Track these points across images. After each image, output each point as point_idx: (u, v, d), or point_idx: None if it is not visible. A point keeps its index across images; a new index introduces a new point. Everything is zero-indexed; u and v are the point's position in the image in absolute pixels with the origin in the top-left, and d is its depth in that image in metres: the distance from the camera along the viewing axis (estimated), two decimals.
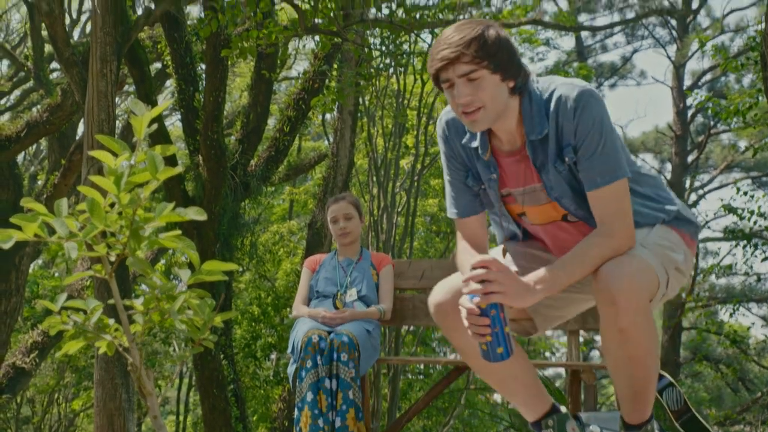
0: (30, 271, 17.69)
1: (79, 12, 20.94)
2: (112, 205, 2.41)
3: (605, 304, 2.90)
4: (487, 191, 3.21)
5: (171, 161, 10.96)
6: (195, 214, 2.44)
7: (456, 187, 3.28)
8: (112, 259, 2.45)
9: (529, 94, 2.98)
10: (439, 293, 3.25)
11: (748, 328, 18.16)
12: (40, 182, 18.49)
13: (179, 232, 2.48)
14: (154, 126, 2.45)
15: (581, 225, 3.14)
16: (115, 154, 2.40)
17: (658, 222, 3.14)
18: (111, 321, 2.61)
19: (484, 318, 2.85)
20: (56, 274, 21.56)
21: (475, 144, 3.12)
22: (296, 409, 5.21)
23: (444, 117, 3.21)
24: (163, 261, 19.42)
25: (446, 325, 3.23)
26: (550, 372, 22.00)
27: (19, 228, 2.27)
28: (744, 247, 14.35)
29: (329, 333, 5.36)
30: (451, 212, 3.35)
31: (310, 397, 5.15)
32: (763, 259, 14.06)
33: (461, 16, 14.55)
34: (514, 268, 3.19)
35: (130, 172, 2.36)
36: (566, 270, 2.91)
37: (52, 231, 2.35)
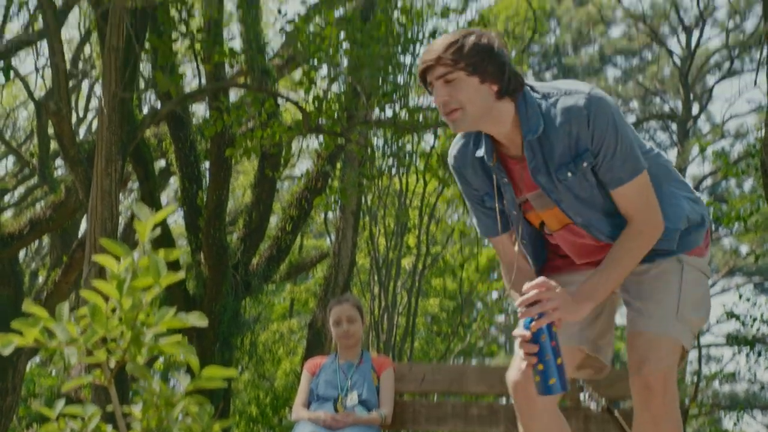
0: (27, 369, 17.53)
1: (86, 110, 21.19)
2: (113, 310, 2.40)
3: (640, 389, 3.06)
4: (506, 201, 3.26)
5: (174, 264, 10.95)
6: (197, 320, 2.42)
7: (476, 210, 3.37)
8: (112, 365, 2.43)
9: (524, 98, 3.04)
10: (514, 371, 3.31)
11: None
12: (40, 279, 18.47)
13: (180, 337, 2.45)
14: (158, 230, 2.44)
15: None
16: (118, 258, 2.39)
17: (681, 251, 3.21)
18: (109, 427, 2.56)
19: (535, 345, 2.92)
20: (53, 373, 21.38)
21: (481, 153, 3.18)
22: None
23: (451, 151, 3.34)
24: (161, 359, 19.27)
25: (521, 405, 3.28)
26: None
27: (19, 332, 2.25)
28: (747, 354, 14.22)
29: None
30: (480, 232, 3.44)
31: None
32: (767, 367, 13.93)
33: None
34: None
35: (132, 277, 2.35)
36: (607, 277, 3.04)
37: (52, 335, 2.33)
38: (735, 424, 14.97)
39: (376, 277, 15.50)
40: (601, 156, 3.00)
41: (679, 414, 3.10)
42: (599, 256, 3.18)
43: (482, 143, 3.18)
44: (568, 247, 3.34)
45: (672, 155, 24.71)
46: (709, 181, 25.46)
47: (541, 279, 2.99)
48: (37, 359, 22.39)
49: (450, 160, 3.35)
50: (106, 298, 2.40)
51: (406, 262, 18.05)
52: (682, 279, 3.17)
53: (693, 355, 21.29)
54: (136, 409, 2.54)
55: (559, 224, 3.26)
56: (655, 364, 3.05)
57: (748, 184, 22.11)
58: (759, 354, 14.07)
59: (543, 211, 3.24)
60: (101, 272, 8.10)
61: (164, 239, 11.87)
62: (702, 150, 13.98)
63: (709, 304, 3.26)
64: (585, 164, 3.02)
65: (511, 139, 3.11)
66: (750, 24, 25.16)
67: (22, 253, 20.35)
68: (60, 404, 2.47)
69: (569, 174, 3.05)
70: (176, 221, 22.51)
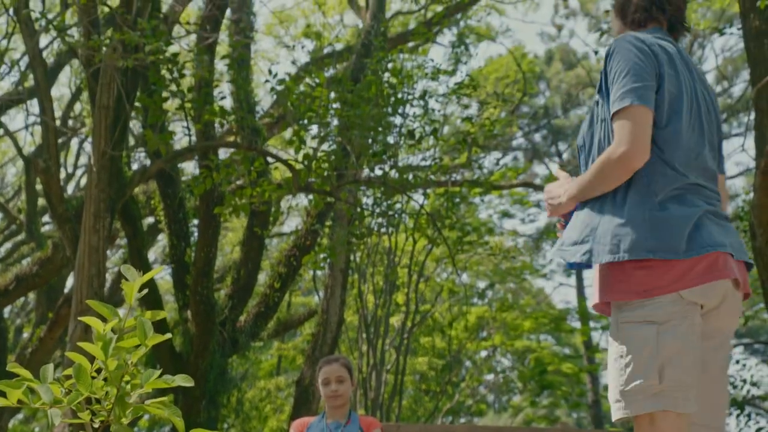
0: (9, 426, 17.35)
1: (75, 166, 21.21)
2: (98, 371, 2.38)
3: None
4: None
5: (161, 323, 10.90)
6: (182, 381, 2.40)
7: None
8: (96, 426, 2.40)
9: None
10: None
11: None
12: (26, 335, 18.35)
13: (165, 399, 2.43)
14: (145, 291, 2.44)
15: None
16: (104, 319, 2.38)
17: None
18: None
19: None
20: (36, 430, 21.15)
21: None
22: None
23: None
24: (146, 416, 19.10)
25: None
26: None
27: (2, 393, 2.23)
28: (737, 416, 14.17)
29: None
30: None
31: None
32: (758, 430, 13.85)
33: (453, 177, 14.77)
34: None
35: (118, 338, 2.34)
36: (579, 179, 3.06)
37: (36, 394, 2.31)
38: None
39: (364, 335, 15.44)
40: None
41: None
42: None
43: None
44: None
45: None
46: None
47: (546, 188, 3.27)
48: (20, 416, 22.17)
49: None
50: (92, 359, 2.38)
51: (395, 320, 18.00)
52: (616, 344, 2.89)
53: None
54: None
55: None
56: None
57: None
58: (749, 416, 14.00)
59: None
60: (87, 330, 8.06)
61: (151, 297, 11.82)
62: None
63: (684, 359, 2.78)
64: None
65: None
66: (737, 89, 25.40)
67: (7, 309, 20.24)
68: None
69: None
70: (164, 278, 22.45)
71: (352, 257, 14.76)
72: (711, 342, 2.94)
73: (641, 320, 2.81)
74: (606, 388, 27.21)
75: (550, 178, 20.00)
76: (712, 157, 3.07)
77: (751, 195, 8.50)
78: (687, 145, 2.97)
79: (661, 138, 2.94)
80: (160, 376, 2.45)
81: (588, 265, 3.02)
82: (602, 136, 3.06)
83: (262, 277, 17.66)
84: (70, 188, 20.40)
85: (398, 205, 13.99)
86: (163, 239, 16.53)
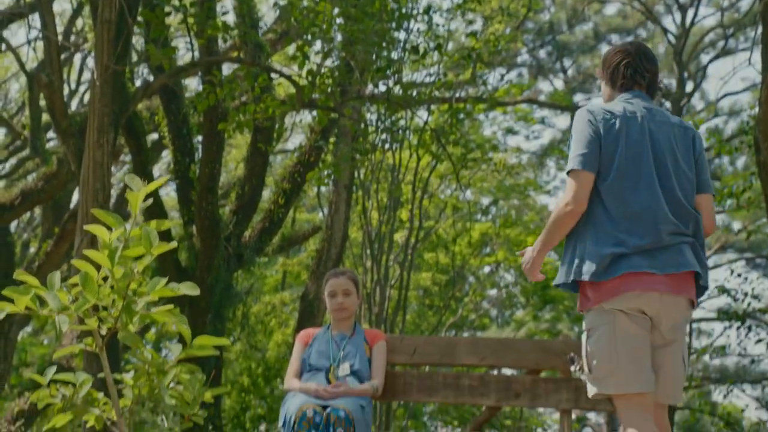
0: (19, 338, 17.57)
1: (78, 82, 21.12)
2: (105, 279, 2.42)
3: None
4: None
5: (165, 235, 10.95)
6: (188, 289, 2.45)
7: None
8: (103, 332, 2.45)
9: None
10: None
11: (742, 410, 17.95)
12: (32, 250, 18.48)
13: (171, 306, 2.48)
14: (149, 201, 2.47)
15: None
16: (110, 228, 2.41)
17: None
18: (100, 394, 2.59)
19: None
20: (45, 342, 21.42)
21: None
22: None
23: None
24: (153, 330, 19.31)
25: None
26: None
27: (11, 300, 2.27)
28: (738, 328, 14.29)
29: (324, 408, 5.31)
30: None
31: None
32: (757, 342, 13.99)
33: (458, 94, 14.70)
34: None
35: (124, 247, 2.37)
36: (540, 236, 4.08)
37: (44, 303, 2.35)
38: (725, 397, 15.07)
39: (368, 251, 15.54)
40: None
41: None
42: None
43: None
44: None
45: None
46: None
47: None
48: (28, 329, 22.44)
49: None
50: (98, 268, 2.42)
51: (399, 236, 18.09)
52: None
53: None
54: (128, 377, 2.57)
55: None
56: None
57: (741, 161, 22.17)
58: (749, 328, 14.14)
59: None
60: (93, 243, 8.11)
61: (156, 211, 11.87)
62: (696, 128, 13.91)
63: (604, 353, 3.86)
64: None
65: None
66: (745, 2, 25.09)
67: (13, 225, 20.35)
68: (51, 371, 2.50)
69: None
70: (168, 194, 22.52)
71: (356, 174, 14.77)
72: (664, 334, 3.91)
73: (584, 329, 3.99)
74: None
75: (555, 94, 19.92)
76: (671, 200, 3.92)
77: (757, 110, 8.47)
78: (626, 193, 3.89)
79: (605, 189, 3.89)
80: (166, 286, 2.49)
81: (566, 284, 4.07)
82: None
83: (267, 194, 17.70)
84: (73, 104, 20.34)
85: (402, 122, 13.95)
86: (167, 155, 16.53)
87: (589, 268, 3.85)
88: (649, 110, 4.04)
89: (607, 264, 3.82)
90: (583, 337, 3.97)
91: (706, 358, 19.29)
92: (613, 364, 3.82)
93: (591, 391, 3.93)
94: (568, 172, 3.92)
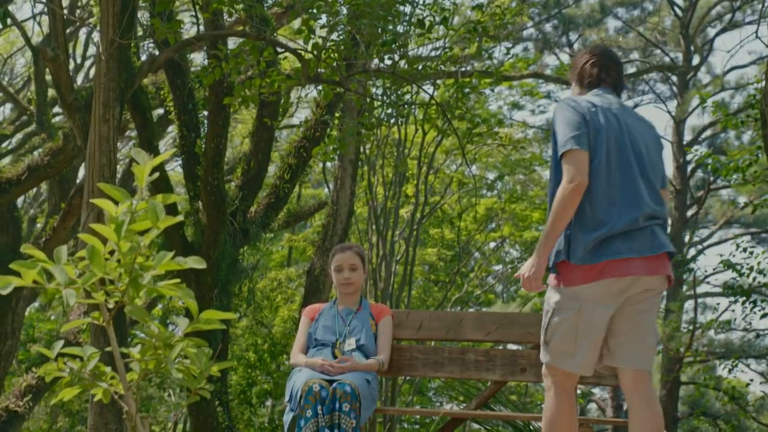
0: (26, 314, 17.63)
1: (84, 57, 21.09)
2: (111, 253, 2.42)
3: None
4: None
5: (171, 209, 10.97)
6: (194, 263, 2.45)
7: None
8: (111, 306, 2.45)
9: None
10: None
11: (747, 384, 18.02)
12: (39, 225, 18.51)
13: (178, 280, 2.48)
14: (156, 174, 2.46)
15: None
16: (116, 202, 2.41)
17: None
18: (107, 369, 2.60)
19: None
20: (53, 318, 21.50)
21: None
22: None
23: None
24: (160, 305, 19.37)
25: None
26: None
27: (18, 274, 2.28)
28: (743, 303, 14.29)
29: (330, 382, 5.33)
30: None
31: None
32: (762, 316, 14.00)
33: (464, 68, 14.65)
34: None
35: (130, 220, 2.37)
36: (543, 232, 4.19)
37: (51, 277, 2.35)
38: (729, 372, 15.08)
39: (374, 227, 15.54)
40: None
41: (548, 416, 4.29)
42: None
43: None
44: None
45: (672, 106, 24.67)
46: (708, 132, 25.42)
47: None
48: (36, 304, 22.52)
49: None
50: (105, 242, 2.42)
51: (405, 212, 18.09)
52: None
53: (689, 304, 21.40)
54: (135, 351, 2.57)
55: None
56: None
57: (747, 135, 22.09)
58: (754, 303, 14.15)
59: None
60: (99, 218, 8.12)
61: (162, 186, 11.88)
62: (702, 101, 13.86)
63: (566, 338, 4.20)
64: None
65: None
66: None
67: (20, 200, 20.38)
68: (59, 345, 2.50)
69: None
70: (174, 169, 22.53)
71: (361, 149, 14.75)
72: (638, 306, 4.20)
73: (551, 302, 4.27)
74: None
75: (561, 68, 19.83)
76: (647, 185, 4.21)
77: (763, 83, 8.44)
78: (610, 178, 4.15)
79: (591, 173, 4.12)
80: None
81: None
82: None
83: (272, 169, 17.68)
84: (79, 79, 20.32)
85: (408, 96, 13.91)
86: (173, 130, 16.53)
87: (574, 251, 4.13)
88: (621, 105, 4.40)
89: (591, 249, 4.09)
90: (547, 307, 4.28)
91: (711, 332, 19.30)
92: (570, 349, 4.19)
93: (544, 358, 4.31)
94: (563, 155, 4.15)
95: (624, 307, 4.19)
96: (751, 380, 16.34)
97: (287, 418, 5.34)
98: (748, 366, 21.60)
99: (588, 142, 4.15)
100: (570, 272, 4.16)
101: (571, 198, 4.07)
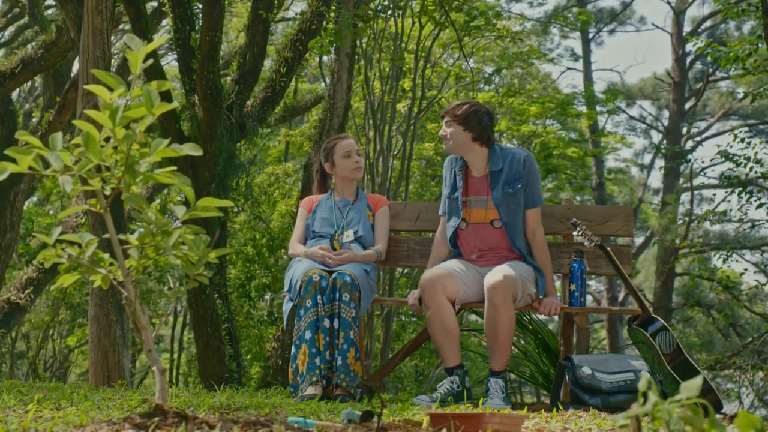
0: (25, 208, 17.69)
1: None
2: (107, 140, 2.41)
3: (488, 290, 5.13)
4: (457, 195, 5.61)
5: (166, 97, 10.89)
6: (190, 149, 2.44)
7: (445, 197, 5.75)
8: (107, 193, 2.46)
9: (494, 148, 5.54)
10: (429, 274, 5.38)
11: (741, 275, 18.14)
12: (34, 119, 18.42)
13: (175, 168, 2.48)
14: (150, 61, 2.44)
15: (501, 230, 5.45)
16: (111, 89, 2.39)
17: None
18: (106, 255, 2.62)
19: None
20: (51, 212, 21.57)
21: (459, 166, 5.63)
22: (293, 347, 5.24)
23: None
24: (158, 200, 19.42)
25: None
26: (542, 315, 22.01)
27: (13, 161, 2.27)
28: (739, 194, 14.29)
29: (330, 273, 5.38)
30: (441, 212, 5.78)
31: (308, 335, 5.17)
32: (758, 206, 14.02)
33: None
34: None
35: (125, 107, 2.36)
36: (549, 274, 5.56)
37: (47, 165, 2.35)
38: (724, 262, 15.17)
39: (371, 121, 15.46)
40: (529, 184, 5.42)
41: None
42: (489, 246, 5.51)
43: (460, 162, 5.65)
44: (472, 237, 5.53)
45: None
46: (708, 24, 25.18)
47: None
48: (34, 199, 22.59)
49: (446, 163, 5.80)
50: (100, 128, 2.41)
51: (402, 106, 17.97)
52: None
53: (685, 196, 21.46)
54: (133, 237, 2.58)
55: (480, 219, 5.49)
56: None
57: (747, 26, 21.86)
58: (750, 194, 14.16)
59: (476, 209, 5.49)
60: (95, 110, 8.07)
61: (157, 76, 11.78)
62: None
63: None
64: (518, 186, 5.40)
65: (479, 167, 5.54)
66: None
67: (15, 95, 20.25)
68: (57, 231, 2.51)
69: (510, 189, 5.40)
70: (170, 63, 22.33)
71: (358, 42, 14.58)
72: None
73: None
74: (609, 171, 27.45)
75: None
76: None
77: None
78: None
79: None
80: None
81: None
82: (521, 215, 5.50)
83: (269, 63, 17.52)
84: None
85: None
86: (167, 24, 16.30)
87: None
88: None
89: None
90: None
91: (707, 224, 19.38)
92: None
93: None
94: (541, 203, 5.54)
95: None
96: (745, 269, 16.40)
97: (287, 307, 5.40)
98: (742, 256, 21.78)
99: None
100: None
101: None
